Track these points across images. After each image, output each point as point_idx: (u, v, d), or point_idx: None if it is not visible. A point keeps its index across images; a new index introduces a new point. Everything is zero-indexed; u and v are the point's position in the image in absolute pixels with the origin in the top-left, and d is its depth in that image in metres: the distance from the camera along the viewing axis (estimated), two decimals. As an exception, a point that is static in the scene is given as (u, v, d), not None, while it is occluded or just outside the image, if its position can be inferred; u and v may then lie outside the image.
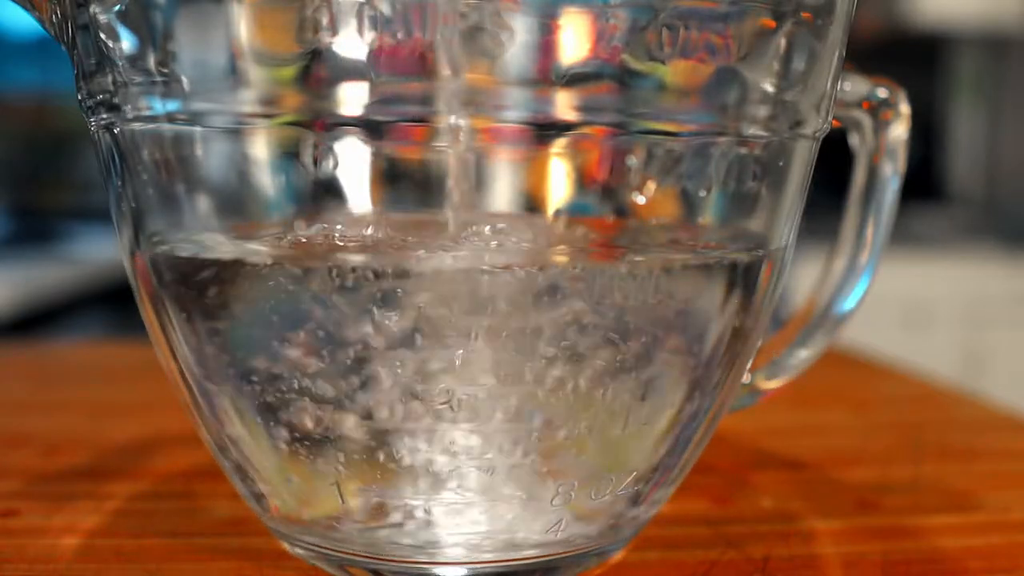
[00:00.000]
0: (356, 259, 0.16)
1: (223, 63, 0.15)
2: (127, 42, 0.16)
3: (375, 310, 0.16)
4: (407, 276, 0.16)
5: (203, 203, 0.17)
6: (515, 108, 0.15)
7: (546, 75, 0.15)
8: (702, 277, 0.18)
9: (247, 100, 0.15)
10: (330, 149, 0.15)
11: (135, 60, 0.16)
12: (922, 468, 0.28)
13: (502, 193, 0.16)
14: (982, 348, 1.57)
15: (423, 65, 0.15)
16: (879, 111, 0.23)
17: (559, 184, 0.16)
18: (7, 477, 0.26)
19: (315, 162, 0.15)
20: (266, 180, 0.16)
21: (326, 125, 0.15)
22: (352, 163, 0.15)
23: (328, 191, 0.16)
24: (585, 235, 0.16)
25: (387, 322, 0.16)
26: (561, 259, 0.16)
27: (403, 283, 0.16)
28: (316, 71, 0.15)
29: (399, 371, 0.16)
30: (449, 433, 0.17)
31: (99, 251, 1.44)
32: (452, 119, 0.15)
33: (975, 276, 1.59)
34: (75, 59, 0.18)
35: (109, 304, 1.32)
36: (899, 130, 0.23)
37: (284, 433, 0.18)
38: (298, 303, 0.16)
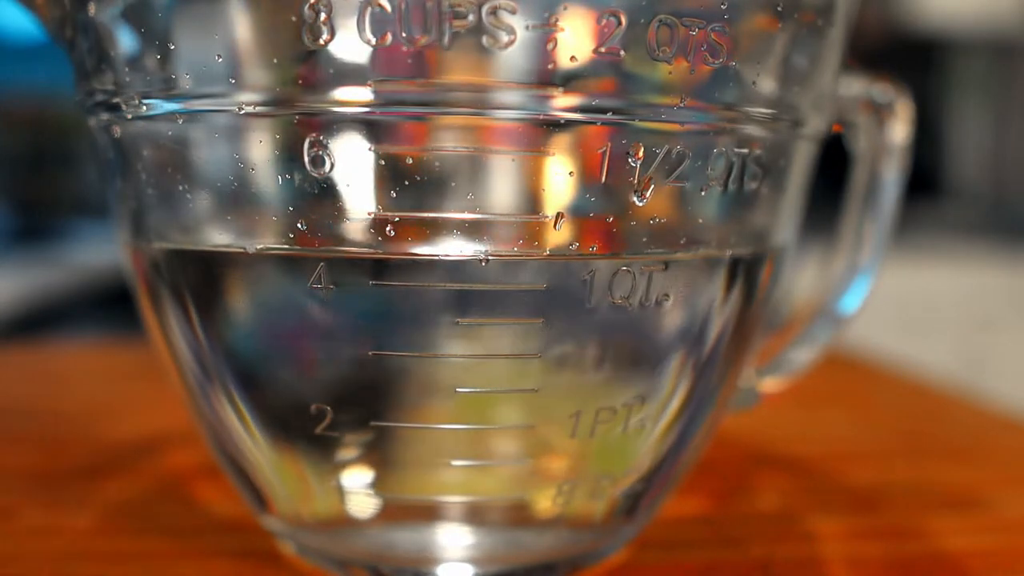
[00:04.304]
0: (354, 253, 0.16)
1: (223, 63, 0.15)
2: (127, 42, 0.16)
3: (374, 307, 0.16)
4: (406, 271, 0.16)
5: (203, 203, 0.17)
6: (515, 108, 0.15)
7: (546, 75, 0.15)
8: (701, 275, 0.18)
9: (247, 100, 0.15)
10: (330, 149, 0.15)
11: (135, 60, 0.16)
12: (922, 468, 0.28)
13: (502, 193, 0.16)
14: (983, 348, 1.57)
15: (423, 65, 0.15)
16: (880, 111, 0.23)
17: (558, 184, 0.16)
18: (7, 477, 0.26)
19: (315, 162, 0.15)
20: (266, 180, 0.16)
21: (326, 125, 0.15)
22: (352, 163, 0.15)
23: (328, 191, 0.15)
24: (584, 232, 0.16)
25: (386, 319, 0.16)
26: (559, 257, 0.16)
27: (402, 278, 0.16)
28: (316, 71, 0.15)
29: (399, 370, 0.16)
30: (449, 433, 0.17)
31: (99, 251, 1.44)
32: (451, 119, 0.15)
33: (976, 276, 1.59)
34: (75, 59, 0.18)
35: (109, 304, 1.32)
36: (900, 131, 0.23)
37: (283, 432, 0.18)
38: (296, 299, 0.16)
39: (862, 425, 0.33)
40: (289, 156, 0.15)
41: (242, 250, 0.16)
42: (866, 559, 0.21)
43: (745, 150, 0.17)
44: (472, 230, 0.15)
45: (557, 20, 0.14)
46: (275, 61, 0.15)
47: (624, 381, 0.17)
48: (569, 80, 0.15)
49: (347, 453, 0.17)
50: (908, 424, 0.33)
